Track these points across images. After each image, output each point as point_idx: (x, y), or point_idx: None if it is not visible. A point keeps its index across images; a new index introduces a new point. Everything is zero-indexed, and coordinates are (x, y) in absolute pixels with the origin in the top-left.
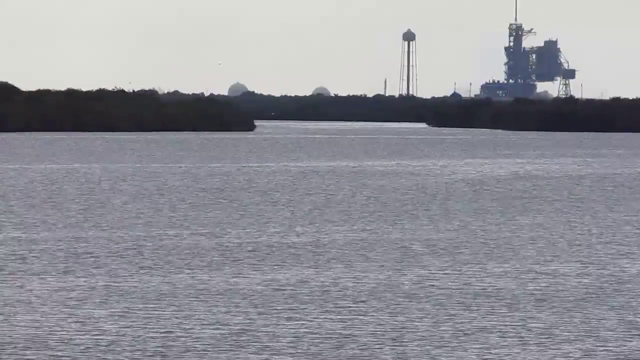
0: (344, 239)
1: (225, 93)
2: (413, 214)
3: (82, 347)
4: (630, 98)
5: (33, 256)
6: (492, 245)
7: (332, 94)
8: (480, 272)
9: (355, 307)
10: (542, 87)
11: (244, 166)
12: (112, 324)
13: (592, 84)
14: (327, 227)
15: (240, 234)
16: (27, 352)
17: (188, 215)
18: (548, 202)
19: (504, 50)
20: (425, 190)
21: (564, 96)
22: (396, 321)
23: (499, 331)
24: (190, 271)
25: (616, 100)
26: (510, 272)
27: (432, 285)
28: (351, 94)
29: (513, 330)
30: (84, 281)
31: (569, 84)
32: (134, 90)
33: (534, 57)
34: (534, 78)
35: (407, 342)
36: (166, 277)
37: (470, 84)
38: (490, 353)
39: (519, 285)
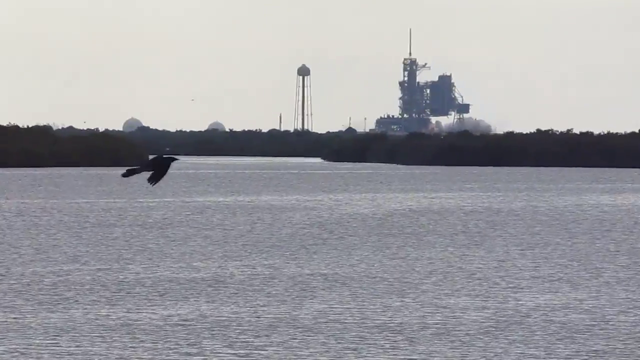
0: (243, 274)
1: (120, 128)
2: (311, 248)
3: None
4: (524, 132)
5: None
6: (391, 279)
7: (227, 129)
8: (379, 306)
9: (255, 341)
10: (435, 121)
11: (140, 201)
12: None
13: (486, 118)
14: (225, 262)
15: (139, 269)
16: None
17: (85, 251)
18: (444, 236)
19: (398, 85)
20: (323, 225)
21: (457, 130)
22: (295, 355)
23: None
24: (89, 306)
25: (509, 135)
26: (410, 305)
27: (332, 320)
28: (246, 129)
29: None
30: None
31: (463, 118)
32: (27, 126)
33: (428, 91)
34: (428, 112)
35: None
36: (65, 313)
37: (365, 118)
38: None
39: (419, 319)
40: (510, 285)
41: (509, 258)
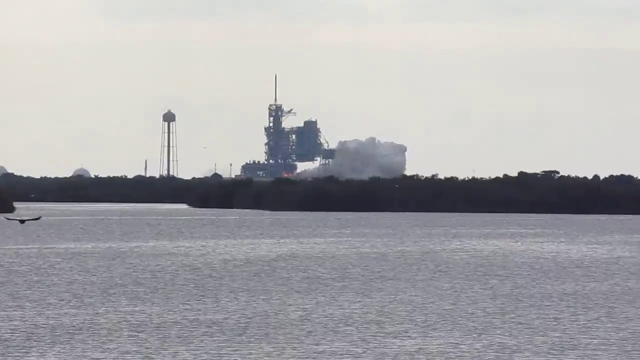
0: (118, 320)
1: None
2: (177, 294)
3: None
4: (389, 178)
5: None
6: (260, 324)
7: (93, 175)
8: (246, 351)
9: None
10: (302, 167)
11: (3, 248)
12: None
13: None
14: (94, 308)
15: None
16: None
17: None
18: (320, 281)
19: (264, 131)
20: (197, 270)
21: (323, 176)
22: None
23: None
24: None
25: (375, 180)
26: (286, 351)
27: None
28: (112, 175)
29: None
30: None
31: (329, 163)
32: None
33: (294, 137)
34: (294, 158)
35: None
36: None
37: (231, 164)
38: None
39: None
40: (387, 330)
41: (382, 303)
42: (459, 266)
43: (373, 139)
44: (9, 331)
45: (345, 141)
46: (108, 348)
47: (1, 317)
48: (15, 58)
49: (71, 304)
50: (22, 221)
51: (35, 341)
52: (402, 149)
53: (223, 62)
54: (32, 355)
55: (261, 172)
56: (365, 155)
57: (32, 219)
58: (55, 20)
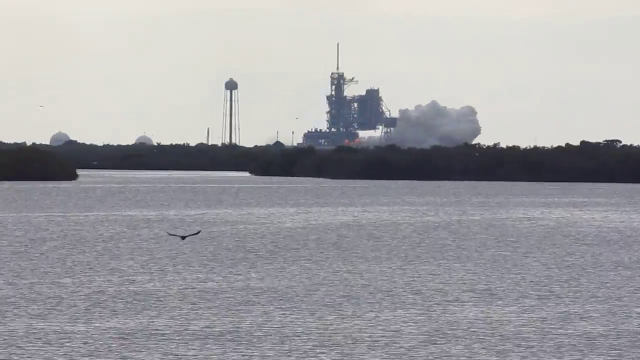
0: (178, 287)
1: (47, 142)
2: (247, 262)
3: None
4: (450, 147)
5: None
6: (330, 292)
7: (155, 143)
8: (319, 319)
9: (189, 353)
10: (364, 135)
11: (69, 215)
12: None
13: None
14: (163, 276)
15: (76, 282)
16: None
17: (23, 266)
18: (381, 250)
19: (326, 99)
20: (258, 238)
21: (385, 144)
22: None
23: None
24: (27, 319)
25: (436, 149)
26: (349, 319)
27: (272, 331)
28: (174, 143)
29: None
30: None
31: (390, 132)
32: None
33: (356, 105)
34: (356, 126)
35: None
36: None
37: (293, 132)
38: None
39: (358, 332)
40: (450, 299)
41: (447, 271)
42: (523, 236)
43: (435, 103)
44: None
45: (407, 109)
46: (173, 315)
47: (76, 283)
48: (80, 27)
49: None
50: (183, 237)
51: (112, 304)
52: (472, 112)
53: (285, 30)
54: (107, 318)
55: (323, 141)
56: (427, 125)
57: (192, 234)
58: None
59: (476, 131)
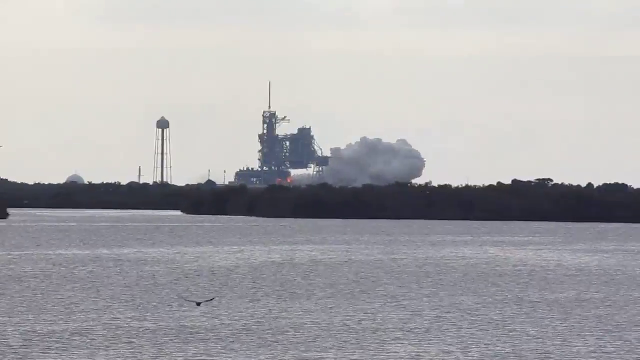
0: (111, 326)
1: None
2: (175, 302)
3: None
4: (382, 185)
5: None
6: (261, 331)
7: (87, 182)
8: (245, 358)
9: None
10: (296, 174)
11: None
12: None
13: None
14: (95, 314)
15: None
16: None
17: None
18: (313, 289)
19: (258, 138)
20: (188, 277)
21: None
22: None
23: None
24: None
25: (368, 187)
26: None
27: None
28: (105, 182)
29: None
30: None
31: (322, 171)
32: None
33: (288, 144)
34: (288, 165)
35: None
36: None
37: (225, 171)
38: None
39: None
40: (385, 338)
41: (377, 310)
42: (454, 273)
43: (365, 140)
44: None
45: (338, 148)
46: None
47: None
48: (8, 64)
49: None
50: (198, 303)
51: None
52: (407, 146)
53: (217, 69)
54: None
55: (255, 180)
56: (359, 163)
57: (207, 301)
58: (48, 26)
59: (414, 169)
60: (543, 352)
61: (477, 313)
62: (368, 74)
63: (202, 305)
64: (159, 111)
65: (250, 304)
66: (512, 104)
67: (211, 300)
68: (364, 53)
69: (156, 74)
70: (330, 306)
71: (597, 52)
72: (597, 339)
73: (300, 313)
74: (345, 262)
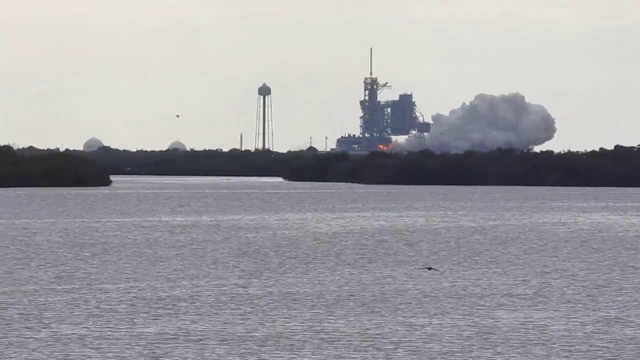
0: (216, 292)
1: (81, 148)
2: (284, 266)
3: None
4: (484, 152)
5: None
6: (367, 297)
7: (188, 149)
8: (356, 323)
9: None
10: (396, 139)
11: (99, 221)
12: None
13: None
14: (201, 281)
15: (118, 289)
16: None
17: (61, 271)
18: (416, 255)
19: (359, 104)
20: (297, 242)
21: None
22: None
23: None
24: (70, 325)
25: (470, 153)
26: (386, 324)
27: (308, 336)
28: (207, 149)
29: None
30: None
31: (424, 137)
32: None
33: (389, 110)
34: (389, 132)
35: None
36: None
37: (326, 137)
38: None
39: (396, 337)
40: (492, 304)
41: (483, 276)
42: (562, 240)
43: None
44: (127, 302)
45: (439, 114)
46: (212, 319)
47: (126, 288)
48: (112, 33)
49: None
50: (429, 268)
51: (165, 309)
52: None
53: (318, 35)
54: (165, 321)
55: (356, 146)
56: (460, 130)
57: (434, 269)
58: None
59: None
60: None
61: (582, 278)
62: (467, 41)
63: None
64: (261, 78)
65: (355, 270)
66: (613, 71)
67: (430, 269)
68: (463, 20)
69: (258, 41)
70: (433, 273)
71: None
72: None
73: (405, 279)
74: (448, 229)
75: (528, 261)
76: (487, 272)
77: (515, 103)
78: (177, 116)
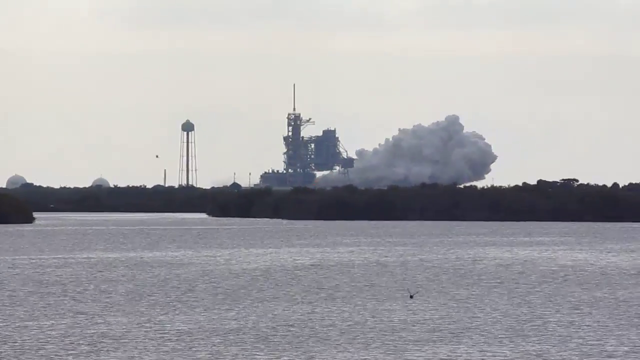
0: (143, 329)
1: (4, 185)
2: (206, 302)
3: None
4: (407, 187)
5: None
6: (297, 331)
7: (112, 185)
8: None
9: None
10: (320, 175)
11: (28, 258)
12: None
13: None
14: (129, 317)
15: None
16: None
17: None
18: (345, 290)
19: (283, 140)
20: (218, 279)
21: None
22: None
23: None
24: None
25: (393, 189)
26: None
27: None
28: (131, 185)
29: None
30: None
31: (347, 172)
32: None
33: (312, 146)
34: (313, 167)
35: None
36: None
37: (250, 173)
38: None
39: None
40: (416, 338)
41: (413, 309)
42: (483, 275)
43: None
44: (50, 339)
45: (363, 149)
46: (132, 357)
47: (40, 327)
48: (34, 67)
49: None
50: (411, 296)
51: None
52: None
53: (241, 71)
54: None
55: (288, 181)
56: (382, 165)
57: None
58: (73, 30)
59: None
60: (580, 352)
61: (510, 313)
62: (390, 75)
63: (413, 297)
64: (184, 114)
65: (287, 304)
66: (535, 104)
67: (412, 296)
68: (386, 54)
69: (180, 76)
70: (363, 307)
71: (619, 50)
72: (625, 338)
73: (338, 313)
74: (377, 263)
75: (451, 295)
76: (409, 305)
77: (448, 131)
78: (157, 156)
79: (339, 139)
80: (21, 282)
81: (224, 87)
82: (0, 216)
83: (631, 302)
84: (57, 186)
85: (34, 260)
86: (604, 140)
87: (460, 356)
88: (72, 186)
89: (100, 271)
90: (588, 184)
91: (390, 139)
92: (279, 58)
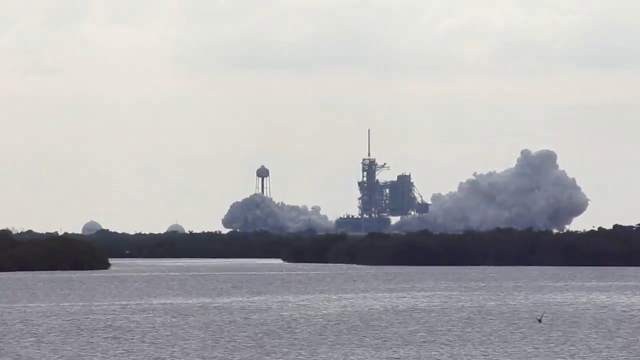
0: None
1: (79, 231)
2: (285, 349)
3: None
4: (484, 231)
5: None
6: None
7: (187, 231)
8: None
9: None
10: (395, 221)
11: (107, 304)
12: None
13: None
14: None
15: None
16: None
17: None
18: (424, 335)
19: (357, 185)
20: (301, 324)
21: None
22: None
23: None
24: None
25: (469, 234)
26: None
27: None
28: (206, 231)
29: None
30: None
31: (422, 217)
32: None
33: (387, 191)
34: (388, 212)
35: None
36: None
37: (326, 217)
38: None
39: None
40: None
41: (485, 355)
42: (571, 319)
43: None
44: None
45: (439, 194)
46: None
47: None
48: (110, 113)
49: None
50: (539, 320)
51: None
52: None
53: (315, 117)
54: None
55: (363, 226)
56: (460, 208)
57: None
58: (148, 75)
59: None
60: None
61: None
62: (465, 119)
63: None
64: (259, 160)
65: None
66: (610, 149)
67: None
68: (460, 98)
69: (255, 122)
70: (443, 354)
71: None
72: None
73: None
74: (456, 308)
75: (534, 341)
76: (494, 353)
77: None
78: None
79: (414, 183)
80: (96, 328)
81: (298, 132)
82: (76, 262)
83: None
84: (132, 232)
85: (109, 306)
86: None
87: None
88: (147, 232)
89: (174, 317)
90: None
91: (465, 182)
92: (353, 103)
